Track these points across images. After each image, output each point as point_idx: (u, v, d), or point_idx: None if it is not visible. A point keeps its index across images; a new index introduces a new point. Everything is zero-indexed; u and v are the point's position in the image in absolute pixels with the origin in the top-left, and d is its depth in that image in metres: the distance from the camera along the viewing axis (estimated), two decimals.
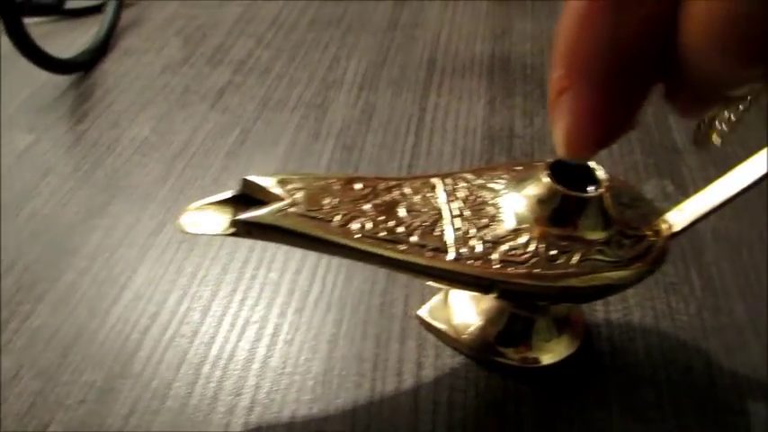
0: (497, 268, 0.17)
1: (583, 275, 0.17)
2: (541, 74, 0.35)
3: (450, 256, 0.17)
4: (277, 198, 0.17)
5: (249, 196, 0.17)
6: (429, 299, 0.22)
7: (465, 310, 0.22)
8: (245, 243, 0.24)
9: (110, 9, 0.34)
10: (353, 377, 0.20)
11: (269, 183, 0.17)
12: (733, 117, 0.15)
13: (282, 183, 0.17)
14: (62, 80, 0.32)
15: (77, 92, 0.32)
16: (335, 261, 0.24)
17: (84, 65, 0.32)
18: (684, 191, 0.28)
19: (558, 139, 0.14)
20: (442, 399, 0.20)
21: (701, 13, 0.09)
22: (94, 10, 0.36)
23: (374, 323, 0.22)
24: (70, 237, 0.24)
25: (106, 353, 0.20)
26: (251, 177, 0.17)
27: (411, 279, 0.23)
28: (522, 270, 0.17)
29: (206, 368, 0.20)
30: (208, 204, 0.17)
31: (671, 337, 0.22)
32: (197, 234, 0.17)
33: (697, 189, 0.27)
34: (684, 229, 0.19)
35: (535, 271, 0.17)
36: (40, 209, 0.25)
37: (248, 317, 0.22)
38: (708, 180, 0.27)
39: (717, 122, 0.15)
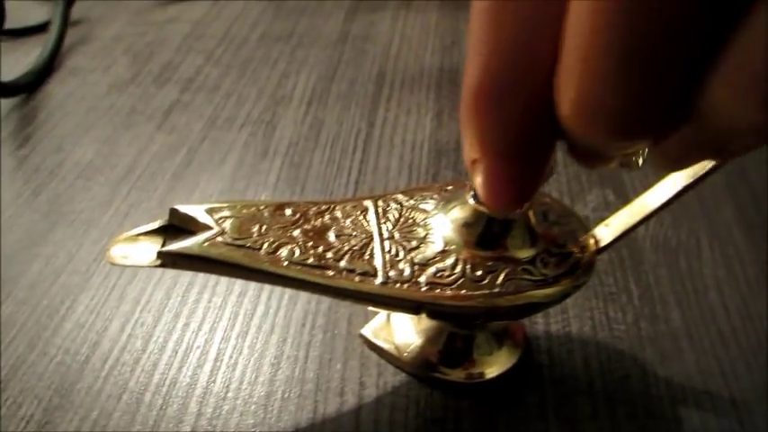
0: (425, 291, 0.17)
1: (508, 295, 0.17)
2: None
3: (379, 279, 0.17)
4: (205, 227, 0.17)
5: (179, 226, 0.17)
6: (372, 318, 0.23)
7: (406, 329, 0.22)
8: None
9: (54, 28, 0.34)
10: (296, 399, 0.20)
11: (197, 212, 0.17)
12: None
13: (211, 212, 0.17)
14: (4, 103, 0.32)
15: (20, 114, 0.31)
16: None
17: (28, 86, 0.32)
18: (625, 199, 0.29)
19: (482, 199, 0.15)
20: (383, 418, 0.20)
21: (574, 93, 0.10)
22: (38, 29, 0.36)
23: (318, 344, 0.22)
24: (10, 266, 0.24)
25: (45, 385, 0.20)
26: (179, 207, 0.17)
27: None
28: (448, 292, 0.17)
29: (147, 396, 0.20)
30: (137, 235, 0.17)
31: (608, 347, 0.23)
32: (125, 266, 0.17)
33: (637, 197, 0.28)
34: (611, 244, 0.19)
35: (461, 292, 0.17)
36: None
37: (191, 342, 0.22)
38: (648, 188, 0.28)
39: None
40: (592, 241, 0.19)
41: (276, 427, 0.20)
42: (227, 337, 0.22)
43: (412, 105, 0.34)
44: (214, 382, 0.21)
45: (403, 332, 0.22)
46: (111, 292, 0.23)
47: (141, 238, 0.17)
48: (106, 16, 0.39)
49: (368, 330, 0.22)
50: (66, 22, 0.35)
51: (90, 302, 0.23)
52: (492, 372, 0.21)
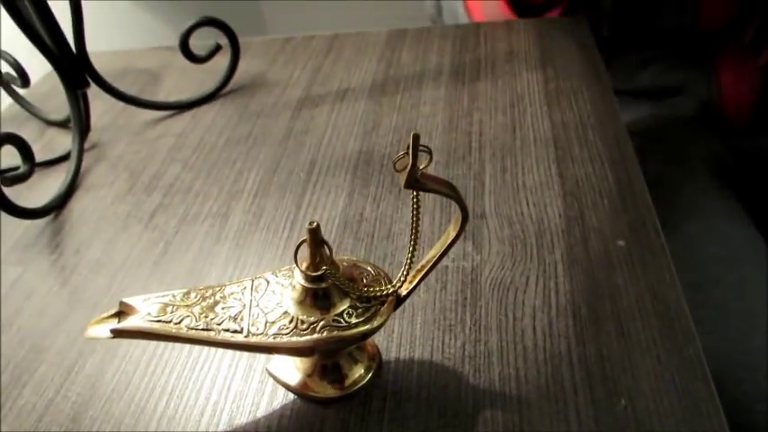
0: (271, 340, 0.28)
1: (323, 338, 0.27)
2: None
3: (243, 335, 0.28)
4: (136, 311, 0.28)
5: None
6: (274, 359, 0.33)
7: (292, 364, 0.32)
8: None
9: (73, 160, 0.47)
10: (220, 414, 0.31)
11: (136, 302, 0.28)
12: None
13: (145, 300, 0.28)
14: (43, 221, 0.45)
15: (53, 228, 0.44)
16: None
17: (56, 207, 0.45)
18: (480, 250, 0.38)
19: None
20: (273, 422, 0.31)
21: None
22: (62, 159, 0.49)
23: (239, 378, 0.33)
24: (45, 339, 0.36)
25: (65, 417, 0.32)
26: (125, 299, 0.28)
27: None
28: (284, 339, 0.27)
29: (126, 419, 0.32)
30: (102, 318, 0.28)
31: (438, 366, 0.32)
32: (97, 339, 0.28)
33: (491, 248, 0.38)
34: (409, 294, 0.29)
35: (292, 339, 0.27)
36: (25, 323, 0.37)
37: (156, 382, 0.33)
38: (502, 239, 0.38)
39: None
40: (391, 297, 0.29)
41: (206, 427, 0.31)
42: (179, 377, 0.33)
43: (332, 187, 0.44)
44: (168, 407, 0.32)
45: (291, 366, 0.32)
46: (107, 352, 0.35)
47: (104, 320, 0.28)
48: (113, 139, 0.52)
49: (271, 366, 0.33)
50: (81, 153, 0.48)
51: (93, 360, 0.35)
52: (353, 386, 0.31)
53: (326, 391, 0.32)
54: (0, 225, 0.45)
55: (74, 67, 0.47)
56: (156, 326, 0.28)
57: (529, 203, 0.41)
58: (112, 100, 0.55)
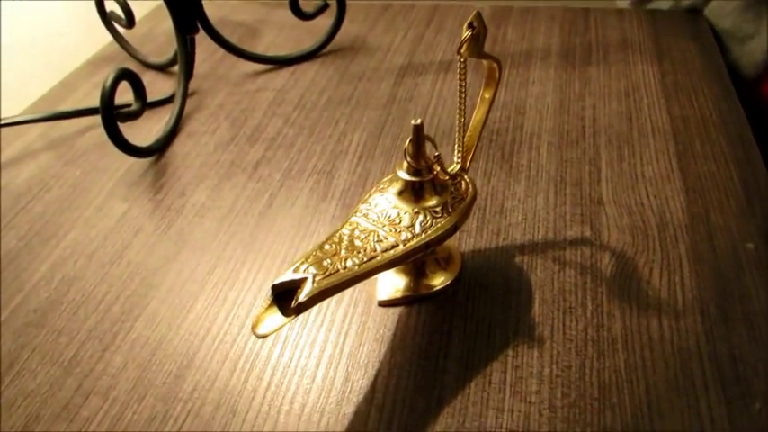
0: (425, 236, 0.29)
1: (458, 210, 0.31)
2: (504, 138, 0.44)
3: (401, 246, 0.28)
4: (302, 280, 0.26)
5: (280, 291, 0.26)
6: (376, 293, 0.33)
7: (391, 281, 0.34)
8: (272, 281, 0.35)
9: (177, 103, 0.46)
10: (341, 347, 0.31)
11: (289, 275, 0.26)
12: None
13: (296, 270, 0.26)
14: (146, 161, 0.44)
15: (156, 169, 0.44)
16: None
17: (160, 149, 0.44)
18: (599, 236, 0.37)
19: None
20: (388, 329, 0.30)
21: None
22: (167, 101, 0.49)
23: (352, 335, 0.32)
24: (155, 277, 0.36)
25: (178, 353, 0.32)
26: (276, 281, 0.26)
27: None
28: (433, 229, 0.29)
29: (241, 362, 0.31)
30: (263, 314, 0.25)
31: (559, 345, 0.31)
32: (270, 333, 0.26)
33: (611, 235, 0.37)
34: (469, 166, 0.34)
35: (439, 225, 0.30)
36: (134, 258, 0.37)
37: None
38: (621, 228, 0.37)
39: None
40: (466, 180, 0.33)
41: (323, 379, 0.30)
42: (292, 326, 0.33)
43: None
44: (283, 355, 0.31)
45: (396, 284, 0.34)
46: (218, 295, 0.35)
47: (266, 313, 0.25)
48: (213, 88, 0.52)
49: (381, 296, 0.33)
50: (185, 98, 0.47)
51: (205, 302, 0.34)
52: (438, 284, 0.34)
53: (437, 280, 0.34)
54: (106, 162, 0.45)
55: (187, 11, 0.46)
56: (334, 279, 0.26)
57: (649, 195, 0.39)
58: (211, 48, 0.54)
